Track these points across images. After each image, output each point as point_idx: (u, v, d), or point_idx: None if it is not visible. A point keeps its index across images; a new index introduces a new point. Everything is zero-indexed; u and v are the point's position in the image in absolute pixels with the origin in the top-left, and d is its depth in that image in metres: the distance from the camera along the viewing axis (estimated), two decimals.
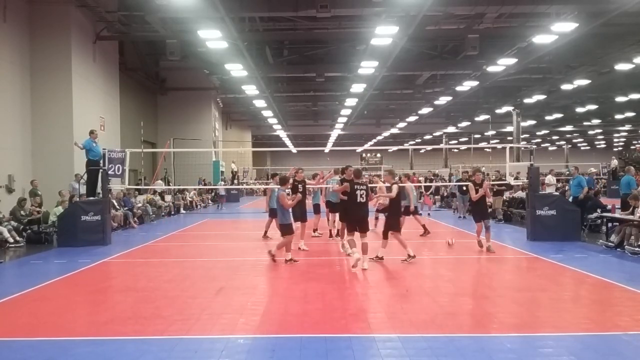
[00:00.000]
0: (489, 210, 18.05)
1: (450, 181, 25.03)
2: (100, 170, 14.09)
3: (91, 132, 14.83)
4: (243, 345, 5.51)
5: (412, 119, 41.06)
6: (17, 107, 17.25)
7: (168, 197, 24.10)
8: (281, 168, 61.05)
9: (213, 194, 31.20)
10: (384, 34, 17.69)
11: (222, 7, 15.60)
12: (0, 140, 16.33)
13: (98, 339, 5.78)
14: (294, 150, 49.56)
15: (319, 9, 16.56)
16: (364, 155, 67.45)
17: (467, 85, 27.86)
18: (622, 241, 11.18)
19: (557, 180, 22.85)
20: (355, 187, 9.61)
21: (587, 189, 15.17)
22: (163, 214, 22.50)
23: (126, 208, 17.77)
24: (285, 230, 10.13)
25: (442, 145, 47.18)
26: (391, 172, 11.16)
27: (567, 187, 18.16)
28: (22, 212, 14.28)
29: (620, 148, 68.22)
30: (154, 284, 8.53)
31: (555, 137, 62.19)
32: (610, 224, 12.63)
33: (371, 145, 59.87)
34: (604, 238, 12.31)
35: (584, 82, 27.30)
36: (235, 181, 36.95)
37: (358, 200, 9.56)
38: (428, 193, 23.17)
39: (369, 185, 11.36)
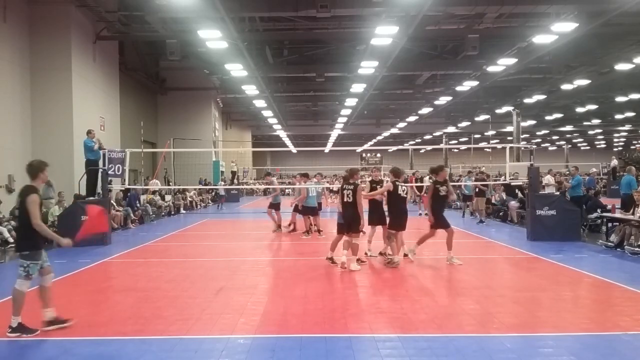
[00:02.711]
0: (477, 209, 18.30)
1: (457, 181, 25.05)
2: (100, 170, 14.08)
3: (88, 132, 14.84)
4: (243, 345, 5.51)
5: (412, 119, 41.06)
6: (17, 107, 17.24)
7: (168, 197, 24.10)
8: (281, 168, 61.48)
9: (213, 193, 31.22)
10: (384, 34, 17.69)
11: (222, 7, 15.59)
12: (0, 140, 16.32)
13: (98, 339, 5.77)
14: (294, 150, 49.62)
15: (319, 9, 16.56)
16: (364, 155, 67.42)
17: (467, 85, 27.86)
18: (622, 241, 11.18)
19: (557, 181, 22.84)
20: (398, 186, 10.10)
21: (586, 189, 15.18)
22: (163, 214, 22.50)
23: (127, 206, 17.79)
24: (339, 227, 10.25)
25: (442, 145, 47.09)
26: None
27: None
28: None
29: (620, 148, 68.23)
30: (154, 284, 8.53)
31: (555, 137, 62.19)
32: (610, 224, 12.64)
33: (371, 145, 59.90)
34: (604, 238, 12.32)
35: (584, 82, 27.29)
36: (235, 181, 36.97)
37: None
38: (423, 193, 23.05)
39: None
